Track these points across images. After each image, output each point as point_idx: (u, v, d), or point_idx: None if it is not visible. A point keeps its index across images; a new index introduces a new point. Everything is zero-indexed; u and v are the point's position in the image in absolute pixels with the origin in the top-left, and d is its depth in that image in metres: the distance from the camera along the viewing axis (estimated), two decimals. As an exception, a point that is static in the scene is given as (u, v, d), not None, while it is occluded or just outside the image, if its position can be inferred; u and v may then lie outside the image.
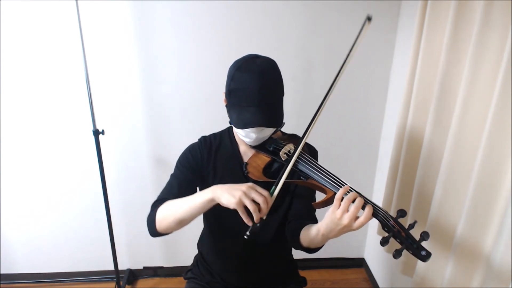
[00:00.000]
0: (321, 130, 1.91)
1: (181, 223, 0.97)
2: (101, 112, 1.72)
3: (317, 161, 1.06)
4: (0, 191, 1.89)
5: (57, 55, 1.67)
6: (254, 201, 0.84)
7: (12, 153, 1.83)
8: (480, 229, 1.08)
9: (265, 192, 0.86)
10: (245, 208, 0.85)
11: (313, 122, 0.96)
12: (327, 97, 0.97)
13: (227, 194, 0.86)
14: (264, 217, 0.87)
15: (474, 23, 1.07)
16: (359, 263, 2.31)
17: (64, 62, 1.68)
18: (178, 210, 0.95)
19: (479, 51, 1.03)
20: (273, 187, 0.90)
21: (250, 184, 0.87)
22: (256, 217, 0.85)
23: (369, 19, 0.92)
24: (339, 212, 0.80)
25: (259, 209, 0.85)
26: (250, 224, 0.86)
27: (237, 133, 1.05)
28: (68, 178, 1.90)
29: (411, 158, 1.44)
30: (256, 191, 0.86)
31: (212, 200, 0.90)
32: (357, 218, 0.80)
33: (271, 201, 0.87)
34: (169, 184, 1.12)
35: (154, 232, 1.02)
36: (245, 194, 0.84)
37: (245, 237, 0.86)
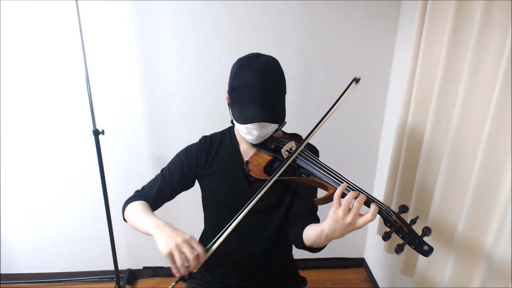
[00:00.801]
0: (321, 129, 1.90)
1: (135, 229, 1.04)
2: (101, 112, 1.72)
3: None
4: (0, 191, 1.89)
5: (57, 55, 1.67)
6: (184, 256, 0.85)
7: (12, 153, 1.83)
8: (480, 228, 1.08)
9: (199, 249, 0.87)
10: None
11: (319, 125, 0.97)
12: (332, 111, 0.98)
13: (162, 241, 0.88)
14: (195, 271, 0.87)
15: (474, 23, 1.07)
16: (359, 263, 2.31)
17: (64, 62, 1.68)
18: (135, 221, 1.04)
19: (479, 51, 1.03)
20: (211, 243, 0.90)
21: (187, 236, 0.88)
22: (182, 271, 0.86)
23: (356, 81, 0.94)
24: (340, 211, 0.80)
25: (189, 265, 0.85)
26: (177, 275, 0.87)
27: (239, 131, 1.05)
28: (68, 178, 1.90)
29: (411, 157, 1.44)
30: (190, 246, 0.86)
31: (151, 235, 0.93)
32: (360, 215, 0.80)
33: (204, 258, 0.87)
34: (153, 182, 1.16)
35: (123, 218, 1.12)
36: (177, 246, 0.85)
37: (170, 287, 0.88)
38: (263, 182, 1.06)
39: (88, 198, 1.93)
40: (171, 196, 1.16)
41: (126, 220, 1.09)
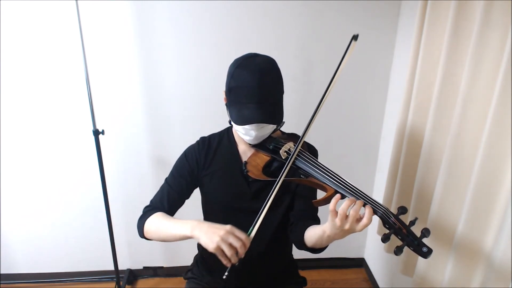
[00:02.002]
0: (321, 129, 1.91)
1: (164, 241, 1.05)
2: (101, 112, 1.72)
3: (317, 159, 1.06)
4: (0, 191, 1.89)
5: (57, 55, 1.67)
6: (231, 245, 0.87)
7: (12, 153, 1.83)
8: (480, 229, 1.08)
9: (242, 236, 0.88)
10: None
11: (311, 122, 0.96)
12: (323, 101, 0.97)
13: (206, 237, 0.89)
14: (242, 256, 0.89)
15: (474, 23, 1.07)
16: (359, 263, 2.31)
17: (64, 62, 1.68)
18: (161, 232, 1.03)
19: (479, 51, 1.03)
20: (251, 228, 0.91)
21: (228, 227, 0.89)
22: (234, 260, 0.87)
23: (355, 38, 0.92)
24: (338, 220, 0.81)
25: (237, 252, 0.87)
26: (228, 265, 0.88)
27: (237, 131, 1.05)
28: (68, 178, 1.90)
29: (411, 158, 1.44)
30: (234, 235, 0.88)
31: (191, 237, 0.93)
32: (358, 220, 0.81)
33: (248, 242, 0.89)
34: (161, 191, 1.15)
35: (142, 236, 1.11)
36: (223, 239, 0.87)
37: (223, 277, 0.89)
38: (262, 182, 1.06)
39: (88, 198, 1.93)
40: (181, 201, 1.15)
41: (148, 235, 1.08)
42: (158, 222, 1.04)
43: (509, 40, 0.93)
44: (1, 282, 2.09)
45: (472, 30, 1.07)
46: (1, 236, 1.99)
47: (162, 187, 1.16)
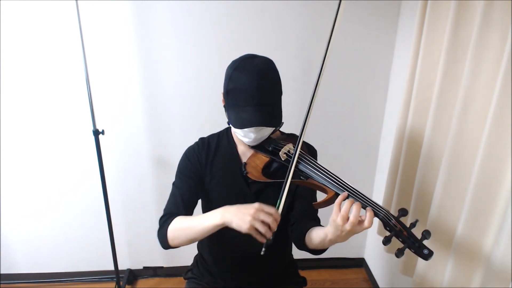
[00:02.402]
0: (321, 130, 1.91)
1: (194, 241, 1.02)
2: (101, 112, 1.72)
3: (317, 161, 1.06)
4: (0, 191, 1.89)
5: (57, 55, 1.67)
6: (263, 222, 0.87)
7: (12, 153, 1.83)
8: (480, 229, 1.08)
9: (272, 210, 0.88)
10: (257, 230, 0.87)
11: (307, 119, 0.97)
12: (317, 88, 0.98)
13: (237, 219, 0.88)
14: (275, 230, 0.89)
15: (474, 23, 1.07)
16: (359, 263, 2.31)
17: (64, 62, 1.68)
18: (189, 232, 0.99)
19: (479, 51, 1.03)
20: (278, 201, 0.92)
21: (256, 205, 0.88)
22: (268, 235, 0.87)
23: None
24: (339, 220, 0.81)
25: (270, 228, 0.87)
26: (263, 241, 0.88)
27: (236, 133, 1.05)
28: (68, 178, 1.90)
29: (411, 158, 1.44)
30: (264, 211, 0.88)
31: (222, 225, 0.92)
32: (359, 222, 0.81)
33: (279, 216, 0.89)
34: (172, 196, 1.12)
35: (166, 247, 1.06)
36: (255, 217, 0.86)
37: (261, 253, 0.88)
38: (261, 183, 1.06)
39: (88, 198, 1.93)
40: (195, 201, 1.14)
41: (174, 243, 1.03)
42: (182, 224, 1.01)
43: (509, 40, 0.93)
44: (1, 282, 2.09)
45: (472, 30, 1.07)
46: (1, 236, 1.99)
47: (172, 193, 1.13)
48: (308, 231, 1.01)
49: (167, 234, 1.03)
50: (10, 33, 1.63)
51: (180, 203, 1.09)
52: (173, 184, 1.14)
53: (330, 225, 0.86)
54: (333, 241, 0.89)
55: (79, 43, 1.50)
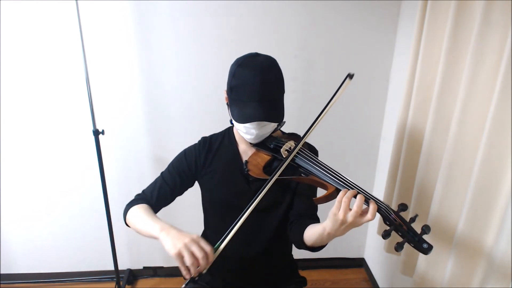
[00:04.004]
0: (321, 130, 1.90)
1: (137, 232, 1.03)
2: (101, 112, 1.72)
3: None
4: (0, 191, 1.89)
5: (57, 55, 1.67)
6: (193, 255, 0.84)
7: (12, 153, 1.83)
8: (480, 228, 1.08)
9: (207, 248, 0.86)
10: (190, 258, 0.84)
11: (315, 123, 0.97)
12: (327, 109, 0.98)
13: (170, 242, 0.87)
14: (204, 271, 0.87)
15: (474, 23, 1.07)
16: (359, 263, 2.31)
17: (64, 62, 1.68)
18: (136, 225, 1.03)
19: (479, 51, 1.03)
20: (219, 242, 0.90)
21: (194, 236, 0.87)
22: (193, 271, 0.85)
23: (350, 76, 0.97)
24: (341, 213, 0.80)
25: (198, 264, 0.84)
26: (187, 277, 0.86)
27: (238, 130, 1.05)
28: (68, 178, 1.90)
29: (411, 158, 1.44)
30: (199, 245, 0.85)
31: (158, 239, 0.92)
32: (360, 215, 0.80)
33: (212, 257, 0.87)
34: (154, 183, 1.16)
35: (124, 221, 1.10)
36: (186, 247, 0.84)
37: (182, 287, 0.87)
38: (262, 181, 1.05)
39: (88, 198, 1.93)
40: (172, 197, 1.16)
41: (129, 224, 1.08)
42: (138, 215, 1.04)
43: (509, 40, 0.93)
44: (1, 282, 2.09)
45: (472, 30, 1.07)
46: (1, 236, 1.99)
47: (156, 180, 1.16)
48: (306, 228, 1.01)
49: (127, 213, 1.08)
50: (10, 33, 1.63)
51: (155, 194, 1.12)
52: (162, 173, 1.17)
53: (329, 218, 0.85)
54: (331, 235, 0.87)
55: (79, 43, 1.50)
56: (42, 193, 1.92)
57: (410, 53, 1.40)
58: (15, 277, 2.10)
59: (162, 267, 2.17)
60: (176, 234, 0.89)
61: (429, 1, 1.27)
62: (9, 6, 1.59)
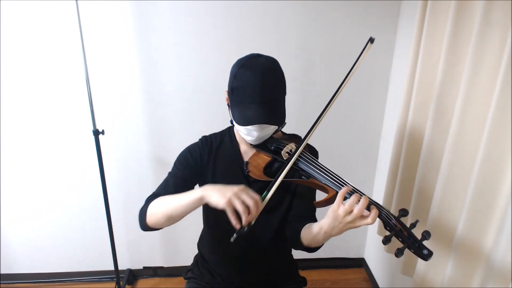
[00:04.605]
0: (321, 130, 1.90)
1: (170, 219, 0.97)
2: (101, 112, 1.72)
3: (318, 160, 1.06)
4: (0, 191, 1.89)
5: (57, 55, 1.67)
6: (244, 204, 0.83)
7: (12, 153, 1.83)
8: (480, 229, 1.08)
9: (256, 196, 0.85)
10: (235, 210, 0.83)
11: (316, 124, 0.97)
12: (332, 102, 0.98)
13: (217, 193, 0.85)
14: (253, 222, 0.85)
15: (474, 23, 1.07)
16: (359, 263, 2.31)
17: (64, 62, 1.68)
18: (167, 206, 0.95)
19: (479, 51, 1.03)
20: (266, 191, 0.89)
21: (242, 186, 0.86)
22: (244, 220, 0.83)
23: (371, 41, 0.96)
24: (341, 211, 0.80)
25: (249, 212, 0.83)
26: (238, 226, 0.84)
27: (239, 132, 1.05)
28: (68, 178, 1.90)
29: (411, 158, 1.44)
30: (248, 193, 0.85)
31: (201, 198, 0.88)
32: (361, 217, 0.80)
33: (261, 205, 0.86)
34: (165, 182, 1.12)
35: (144, 225, 1.03)
36: (236, 195, 0.83)
37: (231, 240, 0.83)
38: (263, 183, 1.05)
39: (88, 198, 1.93)
40: (188, 189, 1.09)
41: (151, 220, 0.99)
42: (163, 200, 0.99)
43: (509, 40, 0.93)
44: (1, 282, 2.09)
45: (472, 30, 1.07)
46: (1, 236, 1.99)
47: (165, 180, 1.13)
48: (303, 228, 1.00)
49: (147, 210, 1.01)
50: (10, 33, 1.63)
51: (171, 189, 1.06)
52: (169, 173, 1.14)
53: (328, 215, 0.85)
54: (327, 234, 0.87)
55: (79, 43, 1.50)
56: (42, 193, 1.92)
57: (410, 53, 1.40)
58: (15, 277, 2.10)
59: (162, 267, 2.17)
60: (221, 186, 0.87)
61: (429, 1, 1.27)
62: (9, 6, 1.59)
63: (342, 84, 0.97)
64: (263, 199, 0.88)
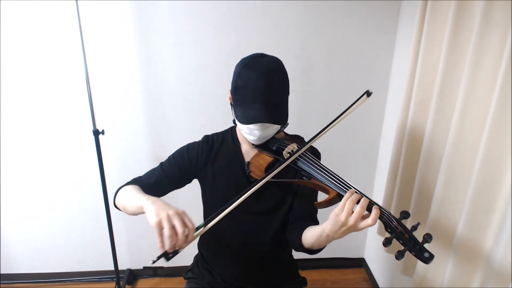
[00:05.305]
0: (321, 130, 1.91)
1: (125, 211, 1.03)
2: (101, 112, 1.72)
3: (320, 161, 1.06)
4: (0, 191, 1.89)
5: (57, 55, 1.67)
6: (174, 229, 0.80)
7: (12, 153, 1.83)
8: (480, 229, 1.08)
9: (190, 225, 0.83)
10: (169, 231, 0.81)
11: (322, 133, 0.97)
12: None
13: (153, 210, 0.83)
14: (180, 251, 0.82)
15: (474, 23, 1.07)
16: (359, 263, 2.31)
17: (64, 62, 1.68)
18: (126, 199, 1.00)
19: (479, 51, 1.03)
20: (203, 223, 0.87)
21: (180, 210, 0.84)
22: (167, 245, 0.80)
23: (368, 94, 0.99)
24: (343, 215, 0.80)
25: (176, 240, 0.81)
26: (161, 250, 0.81)
27: (241, 131, 1.05)
28: (68, 178, 1.90)
29: (411, 158, 1.44)
30: (182, 220, 0.82)
31: (142, 208, 0.89)
32: (362, 218, 0.80)
33: (192, 236, 0.83)
34: (152, 171, 1.15)
35: (113, 203, 1.10)
36: (169, 218, 0.81)
37: (150, 263, 0.82)
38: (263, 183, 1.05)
39: (88, 198, 1.93)
40: (167, 188, 1.14)
41: (117, 203, 1.06)
42: (128, 192, 1.02)
43: (509, 40, 0.93)
44: (1, 282, 2.09)
45: (472, 30, 1.07)
46: (1, 236, 1.99)
47: (154, 169, 1.15)
48: (305, 230, 1.00)
49: (119, 191, 1.06)
50: (10, 33, 1.63)
51: (151, 180, 1.11)
52: (161, 163, 1.16)
53: (330, 219, 0.85)
54: (329, 237, 0.87)
55: (79, 43, 1.50)
56: (42, 193, 1.92)
57: (410, 53, 1.40)
58: (15, 277, 2.10)
59: (162, 267, 2.17)
60: (162, 204, 0.85)
61: (429, 1, 1.27)
62: (9, 6, 1.58)
63: (332, 124, 1.02)
64: (198, 228, 0.85)
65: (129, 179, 1.97)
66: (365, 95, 0.98)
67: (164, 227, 0.80)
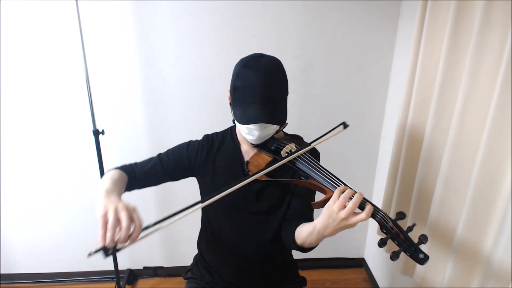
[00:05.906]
0: (321, 130, 1.91)
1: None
2: (101, 112, 1.72)
3: (319, 162, 1.06)
4: (0, 191, 1.89)
5: (57, 55, 1.67)
6: (118, 223, 0.76)
7: (12, 153, 1.83)
8: (480, 229, 1.08)
9: (138, 222, 0.78)
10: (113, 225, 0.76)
11: (326, 136, 0.99)
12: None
13: (103, 202, 0.80)
14: (121, 249, 0.76)
15: (474, 23, 1.07)
16: (359, 263, 2.31)
17: (64, 62, 1.68)
18: (101, 183, 0.95)
19: (479, 51, 1.03)
20: (152, 223, 0.80)
21: (131, 207, 0.80)
22: (108, 238, 0.74)
23: (344, 126, 1.03)
24: (336, 206, 0.80)
25: (119, 237, 0.75)
26: (101, 243, 0.75)
27: (240, 131, 1.05)
28: (68, 178, 1.90)
29: (411, 158, 1.44)
30: (131, 215, 0.77)
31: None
32: (355, 213, 0.80)
33: (138, 233, 0.77)
34: (149, 160, 1.15)
35: None
36: (116, 211, 0.76)
37: (87, 256, 0.78)
38: (263, 182, 1.06)
39: (88, 198, 1.93)
40: (161, 179, 1.14)
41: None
42: (107, 176, 1.00)
43: (509, 40, 0.93)
44: (1, 282, 2.09)
45: (472, 30, 1.07)
46: (1, 236, 1.99)
47: (151, 158, 1.15)
48: (298, 227, 1.00)
49: (107, 172, 1.05)
50: (10, 33, 1.63)
51: (145, 169, 1.11)
52: (159, 154, 1.16)
53: (322, 213, 0.84)
54: (320, 233, 0.86)
55: (79, 43, 1.50)
56: (42, 193, 1.92)
57: (410, 53, 1.40)
58: (15, 277, 2.10)
59: (162, 267, 2.17)
60: (114, 198, 0.82)
61: (429, 1, 1.27)
62: (9, 6, 1.59)
63: (308, 146, 1.01)
64: (147, 228, 0.79)
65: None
66: (341, 126, 1.02)
67: (109, 219, 0.76)
